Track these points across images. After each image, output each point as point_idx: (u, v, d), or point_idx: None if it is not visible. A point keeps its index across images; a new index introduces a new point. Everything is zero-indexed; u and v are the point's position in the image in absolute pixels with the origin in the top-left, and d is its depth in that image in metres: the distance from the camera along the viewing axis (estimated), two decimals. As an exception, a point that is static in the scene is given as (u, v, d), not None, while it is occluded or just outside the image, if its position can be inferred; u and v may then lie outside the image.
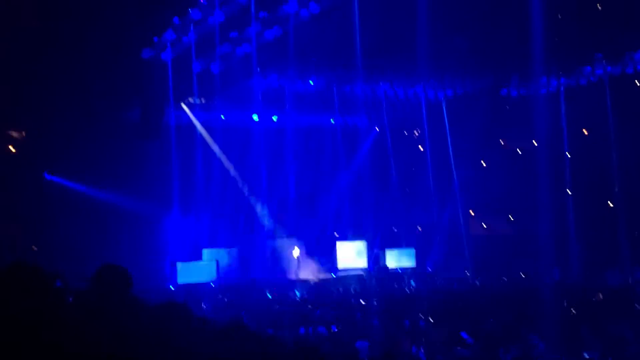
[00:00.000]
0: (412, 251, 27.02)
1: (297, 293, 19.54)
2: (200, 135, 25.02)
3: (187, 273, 22.49)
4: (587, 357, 11.24)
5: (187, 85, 22.21)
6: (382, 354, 10.38)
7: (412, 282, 22.49)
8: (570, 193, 25.08)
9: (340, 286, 21.71)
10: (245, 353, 4.11)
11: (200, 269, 23.12)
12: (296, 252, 25.05)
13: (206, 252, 24.45)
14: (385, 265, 25.95)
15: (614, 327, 13.16)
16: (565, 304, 15.42)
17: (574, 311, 15.04)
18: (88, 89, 19.72)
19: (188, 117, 24.49)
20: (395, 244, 27.33)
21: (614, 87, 23.67)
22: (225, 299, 18.56)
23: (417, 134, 28.69)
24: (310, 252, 25.92)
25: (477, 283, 22.29)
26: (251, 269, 24.29)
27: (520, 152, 26.05)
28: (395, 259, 26.51)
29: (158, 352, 3.20)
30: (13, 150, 20.94)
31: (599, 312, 15.05)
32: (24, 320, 2.67)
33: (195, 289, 20.37)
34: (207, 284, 21.73)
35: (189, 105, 24.18)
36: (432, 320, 14.57)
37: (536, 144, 23.99)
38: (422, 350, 11.63)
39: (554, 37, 19.25)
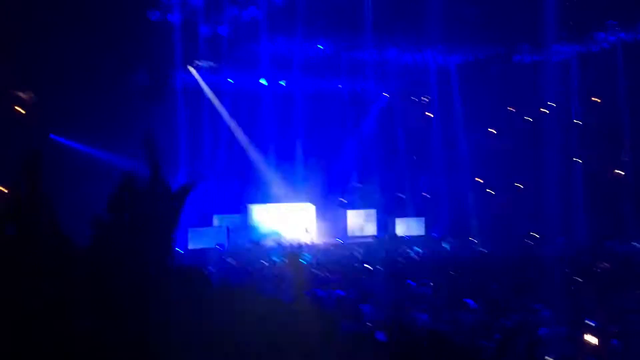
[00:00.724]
0: (422, 220, 27.16)
1: (307, 256, 19.72)
2: (208, 98, 25.00)
3: (198, 238, 22.79)
4: (590, 324, 11.36)
5: (194, 48, 22.11)
6: (385, 318, 10.54)
7: (419, 249, 22.59)
8: (579, 161, 24.99)
9: (349, 252, 21.89)
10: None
11: (210, 234, 23.38)
12: (306, 217, 25.21)
13: (216, 218, 24.67)
14: (395, 233, 26.13)
15: (617, 296, 13.25)
16: (568, 272, 15.50)
17: (578, 279, 15.13)
18: (94, 50, 19.64)
19: (195, 80, 24.44)
20: (404, 212, 27.47)
21: (627, 54, 23.38)
22: (234, 263, 18.76)
23: (426, 100, 28.57)
24: (320, 218, 26.10)
25: (483, 250, 22.38)
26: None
27: (530, 120, 25.90)
28: (405, 227, 26.69)
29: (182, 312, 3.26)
30: (22, 111, 21.00)
31: (603, 281, 15.12)
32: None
33: (203, 253, 20.59)
34: (214, 248, 21.95)
35: (196, 68, 24.10)
36: (436, 285, 14.70)
37: (547, 112, 23.88)
38: (426, 315, 11.76)
39: (566, 2, 19.03)
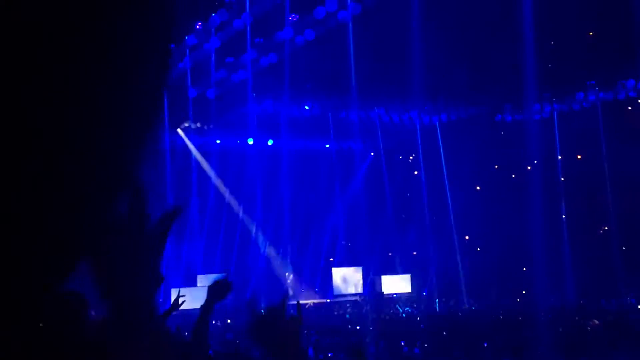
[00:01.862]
0: (408, 277, 27.07)
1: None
2: (195, 159, 25.10)
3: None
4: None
5: (182, 110, 22.32)
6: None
7: (407, 308, 22.46)
8: (564, 218, 25.20)
9: (336, 311, 21.68)
10: None
11: (194, 295, 22.99)
12: (291, 276, 25.03)
13: (201, 278, 24.37)
14: (381, 291, 25.95)
15: (609, 354, 13.18)
16: (560, 330, 15.44)
17: (569, 338, 15.06)
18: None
19: (183, 141, 24.58)
20: (391, 270, 27.37)
21: (607, 112, 23.96)
22: (219, 323, 18.47)
23: (412, 159, 28.86)
24: (305, 276, 25.91)
25: (473, 308, 22.27)
26: (246, 292, 24.21)
27: (514, 177, 26.19)
28: (391, 285, 26.55)
29: None
30: None
31: (595, 338, 15.06)
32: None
33: (189, 315, 20.25)
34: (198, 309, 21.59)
35: (184, 130, 24.27)
36: (427, 346, 14.55)
37: (530, 169, 24.18)
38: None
39: (547, 64, 19.55)
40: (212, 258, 25.02)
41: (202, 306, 3.61)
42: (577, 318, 17.55)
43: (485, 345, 14.59)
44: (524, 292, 22.40)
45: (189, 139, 24.70)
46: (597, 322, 16.96)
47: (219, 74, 20.44)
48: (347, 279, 26.87)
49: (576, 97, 24.13)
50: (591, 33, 18.86)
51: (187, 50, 19.62)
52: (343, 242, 27.65)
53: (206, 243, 24.85)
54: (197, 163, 25.10)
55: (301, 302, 22.36)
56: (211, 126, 23.87)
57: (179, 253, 23.88)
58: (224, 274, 3.83)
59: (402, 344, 15.14)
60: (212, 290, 3.58)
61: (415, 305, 22.73)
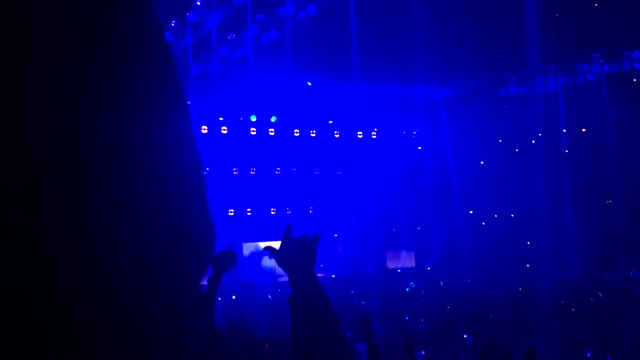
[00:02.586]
0: (412, 253, 27.16)
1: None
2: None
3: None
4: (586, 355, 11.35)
5: (184, 87, 22.19)
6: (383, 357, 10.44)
7: (412, 283, 22.51)
8: (569, 191, 25.15)
9: (340, 287, 21.73)
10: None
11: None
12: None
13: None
14: (386, 266, 26.05)
15: (613, 326, 13.23)
16: (563, 303, 15.50)
17: (573, 310, 15.13)
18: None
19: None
20: (396, 245, 27.43)
21: (612, 84, 23.77)
22: (220, 298, 18.59)
23: (415, 134, 28.79)
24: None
25: (477, 283, 22.32)
26: (251, 270, 24.35)
27: (518, 151, 26.11)
28: (396, 260, 26.65)
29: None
30: None
31: (599, 311, 15.12)
32: None
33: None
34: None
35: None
36: (431, 321, 14.63)
37: (534, 143, 24.09)
38: (422, 352, 11.70)
39: (550, 36, 19.34)
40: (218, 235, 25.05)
41: (208, 279, 3.40)
42: (580, 292, 17.61)
43: (490, 317, 14.67)
44: (527, 265, 22.43)
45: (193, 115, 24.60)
46: (601, 295, 17.02)
47: (220, 51, 20.34)
48: (353, 255, 26.96)
49: (580, 70, 23.93)
50: (596, 4, 18.63)
51: (188, 27, 19.51)
52: (348, 218, 27.71)
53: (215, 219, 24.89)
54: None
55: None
56: (213, 104, 23.82)
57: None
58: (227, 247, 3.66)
59: (407, 318, 15.24)
60: (217, 261, 3.39)
61: (413, 283, 22.80)
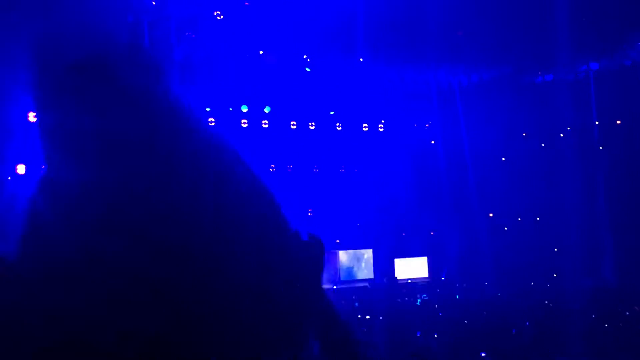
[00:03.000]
0: (425, 260, 26.99)
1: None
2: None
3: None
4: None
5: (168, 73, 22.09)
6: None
7: (424, 295, 22.37)
8: (602, 192, 24.98)
9: (343, 299, 21.60)
10: None
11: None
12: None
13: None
14: (394, 276, 25.89)
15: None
16: (595, 318, 15.36)
17: (606, 326, 14.99)
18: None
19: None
20: (405, 253, 27.27)
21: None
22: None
23: (427, 127, 28.64)
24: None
25: (498, 294, 22.19)
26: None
27: (544, 146, 25.97)
28: (406, 269, 26.49)
29: None
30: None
31: (635, 326, 14.97)
32: None
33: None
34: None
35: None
36: (446, 337, 14.49)
37: (563, 137, 23.96)
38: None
39: (582, 18, 19.20)
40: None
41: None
42: (616, 304, 17.44)
43: (512, 334, 14.53)
44: (554, 275, 22.27)
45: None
46: (637, 308, 16.85)
47: (206, 32, 20.23)
48: (356, 263, 26.82)
49: (615, 55, 23.76)
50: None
51: (171, 4, 19.40)
52: (352, 223, 27.57)
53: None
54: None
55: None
56: (199, 92, 23.68)
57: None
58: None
59: (418, 335, 15.08)
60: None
61: (426, 295, 22.65)
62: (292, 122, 26.55)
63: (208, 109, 25.14)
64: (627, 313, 16.56)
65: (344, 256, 26.81)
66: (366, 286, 24.59)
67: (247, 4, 18.97)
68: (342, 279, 26.06)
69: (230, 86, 23.51)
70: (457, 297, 23.03)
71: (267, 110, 25.94)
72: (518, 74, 25.83)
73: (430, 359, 11.97)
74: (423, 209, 27.54)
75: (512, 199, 25.82)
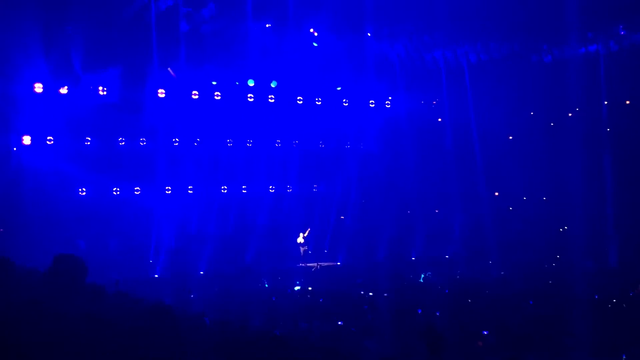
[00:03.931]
0: (429, 238, 27.05)
1: (298, 284, 19.61)
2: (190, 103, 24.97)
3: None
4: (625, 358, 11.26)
5: (173, 47, 22.10)
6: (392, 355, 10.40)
7: (429, 273, 22.47)
8: (609, 172, 24.95)
9: (346, 276, 21.72)
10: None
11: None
12: (300, 236, 25.05)
13: None
14: (399, 253, 25.96)
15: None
16: (597, 298, 15.44)
17: (609, 306, 15.06)
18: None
19: (175, 83, 24.37)
20: (411, 229, 27.29)
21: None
22: (216, 288, 18.63)
23: (435, 104, 28.58)
24: (313, 236, 25.94)
25: (502, 273, 22.27)
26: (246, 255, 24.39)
27: (553, 125, 25.90)
28: (410, 246, 26.55)
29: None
30: None
31: (637, 306, 15.05)
32: None
33: (185, 278, 20.48)
34: (196, 272, 21.84)
35: (175, 71, 24.06)
36: (448, 315, 14.57)
37: (571, 116, 23.90)
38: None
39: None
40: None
41: None
42: (618, 285, 17.53)
43: (516, 313, 14.60)
44: (557, 256, 22.34)
45: (182, 78, 24.43)
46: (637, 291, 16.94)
47: (213, 4, 20.18)
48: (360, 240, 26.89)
49: (624, 34, 23.55)
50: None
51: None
52: (356, 199, 27.61)
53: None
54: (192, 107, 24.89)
55: (308, 265, 22.60)
56: (206, 66, 23.64)
57: (173, 209, 24.07)
58: None
59: (420, 312, 15.17)
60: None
61: (430, 273, 22.74)
62: (298, 97, 26.51)
63: (214, 83, 25.14)
64: (631, 294, 16.66)
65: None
66: (371, 263, 24.71)
67: None
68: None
69: (239, 60, 23.46)
70: (458, 276, 23.16)
71: (273, 84, 25.90)
72: (527, 51, 25.67)
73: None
74: (428, 187, 27.57)
75: (518, 179, 25.82)
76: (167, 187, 24.11)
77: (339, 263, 24.91)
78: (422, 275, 21.85)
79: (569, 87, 22.26)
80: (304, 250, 24.80)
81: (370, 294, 17.48)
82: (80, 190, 22.81)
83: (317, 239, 26.10)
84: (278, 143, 26.39)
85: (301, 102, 26.50)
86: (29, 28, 19.18)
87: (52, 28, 19.94)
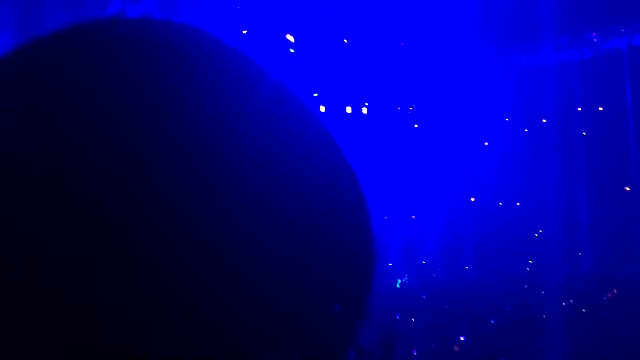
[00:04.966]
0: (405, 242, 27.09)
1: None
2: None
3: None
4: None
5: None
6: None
7: (405, 277, 22.56)
8: (583, 178, 25.23)
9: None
10: None
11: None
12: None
13: None
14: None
15: (629, 328, 13.34)
16: (572, 302, 15.63)
17: (584, 310, 15.26)
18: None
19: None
20: (385, 235, 27.29)
21: (634, 58, 23.75)
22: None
23: (411, 110, 28.59)
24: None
25: (479, 278, 22.41)
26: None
27: (527, 131, 26.10)
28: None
29: None
30: None
31: (613, 311, 15.24)
32: None
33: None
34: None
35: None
36: (425, 321, 14.67)
37: (545, 122, 24.16)
38: (414, 352, 11.76)
39: (565, 1, 19.31)
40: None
41: None
42: (592, 288, 17.74)
43: (491, 317, 14.76)
44: (529, 261, 22.55)
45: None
46: (615, 291, 17.17)
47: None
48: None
49: (598, 41, 23.90)
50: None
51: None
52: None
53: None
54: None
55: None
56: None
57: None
58: None
59: (397, 317, 15.27)
60: None
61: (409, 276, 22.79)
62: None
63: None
64: (604, 298, 16.88)
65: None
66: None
67: None
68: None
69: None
70: (434, 275, 23.28)
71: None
72: (501, 57, 25.90)
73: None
74: (404, 193, 27.57)
75: (493, 184, 25.98)
76: None
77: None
78: (398, 284, 21.94)
79: (543, 93, 22.47)
80: None
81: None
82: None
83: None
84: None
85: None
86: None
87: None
